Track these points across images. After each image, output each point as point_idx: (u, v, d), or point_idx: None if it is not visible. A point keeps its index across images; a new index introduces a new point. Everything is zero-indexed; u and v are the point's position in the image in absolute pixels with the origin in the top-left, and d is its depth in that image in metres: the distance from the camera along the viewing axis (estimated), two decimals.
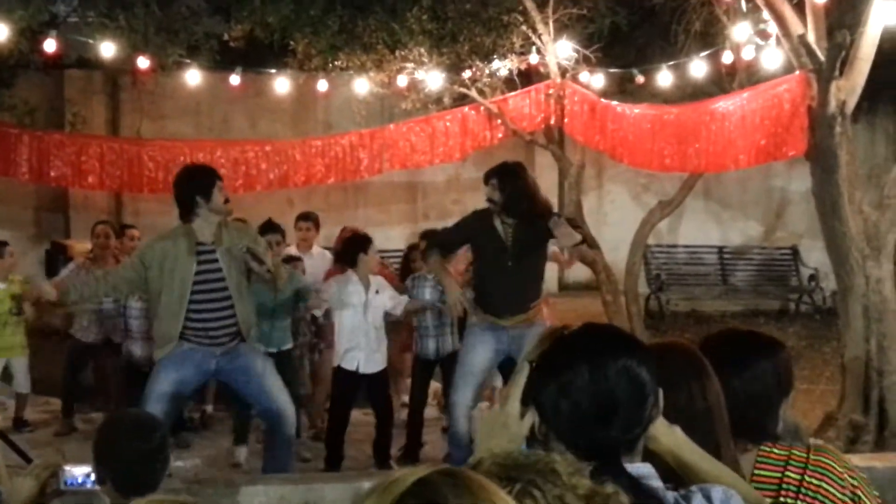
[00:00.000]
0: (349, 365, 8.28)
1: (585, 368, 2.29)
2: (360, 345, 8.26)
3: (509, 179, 7.42)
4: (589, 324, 2.50)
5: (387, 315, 8.46)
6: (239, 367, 7.20)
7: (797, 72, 8.62)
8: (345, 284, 8.32)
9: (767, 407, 3.03)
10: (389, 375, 8.76)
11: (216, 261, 7.05)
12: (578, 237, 7.52)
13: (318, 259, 9.95)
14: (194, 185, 7.08)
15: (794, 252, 16.72)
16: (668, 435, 2.44)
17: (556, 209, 9.46)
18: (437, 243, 7.84)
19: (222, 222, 7.16)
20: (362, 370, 8.27)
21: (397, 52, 10.50)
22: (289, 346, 8.71)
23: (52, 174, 11.79)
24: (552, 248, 7.95)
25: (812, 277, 16.23)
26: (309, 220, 10.09)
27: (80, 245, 11.47)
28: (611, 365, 2.30)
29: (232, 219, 7.50)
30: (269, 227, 8.78)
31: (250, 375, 7.20)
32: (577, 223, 7.75)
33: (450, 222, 9.07)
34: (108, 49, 10.28)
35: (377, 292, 8.31)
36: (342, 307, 8.28)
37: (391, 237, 14.08)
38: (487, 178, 7.51)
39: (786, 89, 8.73)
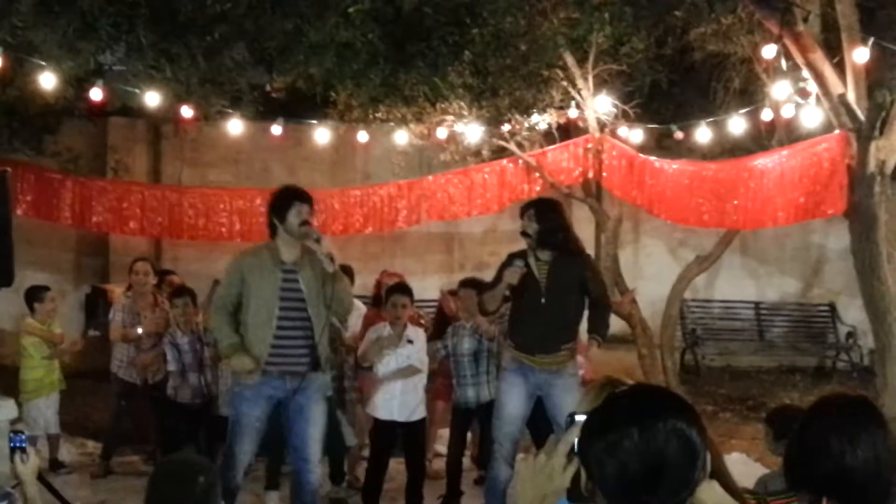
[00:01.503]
0: (385, 414, 8.27)
1: (635, 430, 2.30)
2: (394, 393, 8.25)
3: (545, 211, 7.46)
4: (640, 384, 2.53)
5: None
6: (299, 405, 7.16)
7: (837, 131, 8.63)
8: (378, 333, 8.34)
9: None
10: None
11: (297, 281, 7.03)
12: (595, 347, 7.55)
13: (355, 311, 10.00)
14: (274, 204, 7.16)
15: (832, 309, 16.59)
16: (709, 493, 2.44)
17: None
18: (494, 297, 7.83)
19: (308, 251, 7.09)
20: (398, 418, 8.24)
21: (437, 105, 10.58)
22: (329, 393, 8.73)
23: (94, 219, 11.98)
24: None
25: (850, 335, 16.08)
26: (345, 273, 10.10)
27: (120, 289, 11.57)
28: (661, 426, 2.30)
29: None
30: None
31: (304, 417, 7.18)
32: (604, 300, 7.72)
33: (486, 274, 9.10)
34: (152, 98, 10.42)
35: (410, 342, 8.26)
36: (379, 358, 8.28)
37: (427, 287, 14.08)
38: (524, 211, 7.54)
39: (825, 148, 8.73)
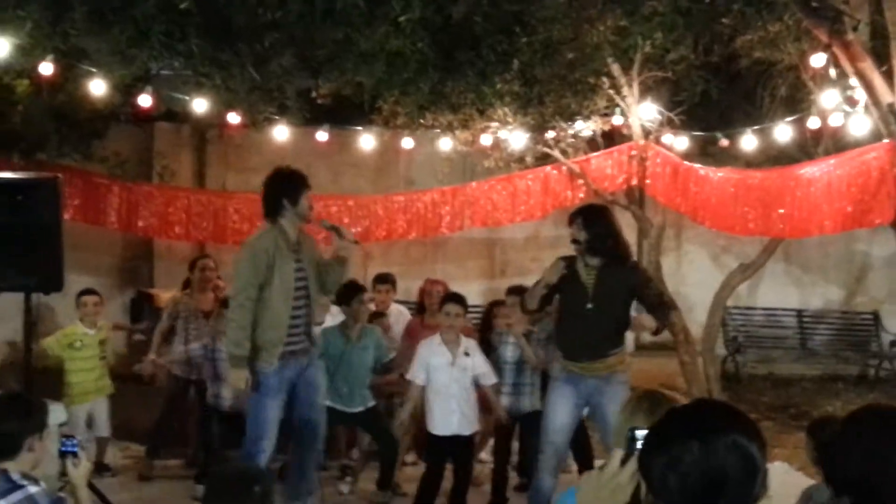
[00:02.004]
0: (443, 430, 8.16)
1: (696, 444, 2.32)
2: (451, 408, 8.14)
3: (595, 218, 7.47)
4: (701, 399, 2.55)
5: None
6: (309, 380, 7.56)
7: (885, 139, 8.59)
8: (430, 346, 8.22)
9: None
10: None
11: (302, 262, 7.32)
12: (652, 326, 7.48)
13: (395, 317, 10.06)
14: (284, 186, 7.37)
15: (876, 317, 16.47)
16: None
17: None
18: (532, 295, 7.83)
19: (302, 232, 7.44)
20: (458, 432, 8.14)
21: (483, 113, 10.62)
22: (372, 403, 8.76)
23: (140, 224, 12.12)
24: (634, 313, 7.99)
25: (893, 343, 15.97)
26: (387, 282, 10.16)
27: (166, 294, 11.67)
28: (721, 440, 2.33)
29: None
30: (358, 288, 8.79)
31: (315, 388, 7.57)
32: (660, 300, 7.66)
33: (527, 279, 9.10)
34: (200, 105, 10.53)
35: (466, 354, 8.15)
36: (431, 371, 8.14)
37: (468, 293, 13.93)
38: (572, 219, 7.53)
39: (874, 157, 8.70)
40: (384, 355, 8.79)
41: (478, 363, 8.23)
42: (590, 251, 7.38)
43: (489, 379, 8.28)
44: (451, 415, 8.13)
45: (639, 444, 2.46)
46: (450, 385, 8.12)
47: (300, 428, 7.73)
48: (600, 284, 7.37)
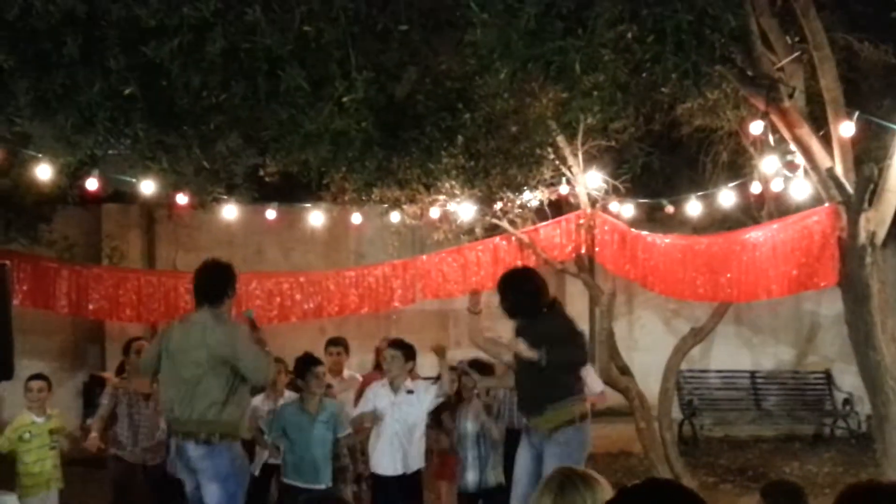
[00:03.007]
0: (384, 469, 8.45)
1: None
2: (392, 447, 8.42)
3: (505, 285, 8.01)
4: (652, 479, 2.57)
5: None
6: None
7: (826, 203, 8.73)
8: (375, 389, 8.66)
9: None
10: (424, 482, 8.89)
11: None
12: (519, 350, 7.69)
13: (349, 383, 10.07)
14: (230, 280, 7.94)
15: (828, 376, 16.62)
16: None
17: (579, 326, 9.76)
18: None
19: None
20: (398, 471, 8.41)
21: (431, 187, 10.70)
22: (331, 482, 8.73)
23: (91, 307, 12.02)
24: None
25: (846, 402, 16.11)
26: (339, 345, 10.33)
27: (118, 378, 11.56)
28: None
29: None
30: (312, 362, 8.92)
31: None
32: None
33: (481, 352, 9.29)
34: (148, 187, 10.54)
35: (409, 392, 8.48)
36: (377, 414, 8.49)
37: (422, 365, 14.07)
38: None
39: (816, 221, 8.82)
40: (341, 429, 8.80)
41: (422, 398, 8.49)
42: (509, 316, 7.89)
43: (439, 394, 8.61)
44: (395, 453, 8.40)
45: None
46: (392, 424, 8.40)
47: None
48: (525, 342, 7.57)
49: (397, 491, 8.49)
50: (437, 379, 8.71)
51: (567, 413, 7.56)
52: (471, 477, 8.69)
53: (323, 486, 8.55)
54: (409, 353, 8.68)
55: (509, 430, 8.81)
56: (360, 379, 10.31)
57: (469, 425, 8.72)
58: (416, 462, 8.56)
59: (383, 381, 8.64)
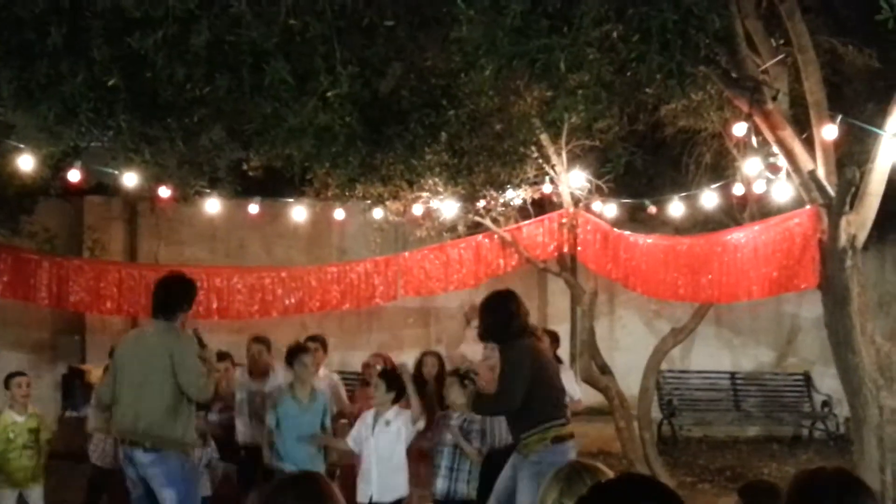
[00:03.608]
0: (362, 498, 8.32)
1: None
2: (370, 477, 8.33)
3: (484, 311, 7.97)
4: (628, 473, 2.58)
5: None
6: None
7: (808, 206, 8.76)
8: (362, 419, 8.53)
9: None
10: None
11: None
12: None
13: (323, 381, 10.06)
14: (187, 294, 8.13)
15: (807, 378, 16.68)
16: None
17: (557, 333, 10.37)
18: None
19: None
20: (375, 500, 8.28)
21: (414, 184, 10.70)
22: (323, 467, 8.89)
23: (72, 299, 11.97)
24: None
25: (825, 404, 16.17)
26: (316, 341, 10.25)
27: (97, 370, 11.52)
28: None
29: None
30: (301, 350, 9.13)
31: None
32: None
33: (462, 348, 9.37)
34: (130, 179, 10.51)
35: (387, 423, 8.35)
36: (357, 444, 8.47)
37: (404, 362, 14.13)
38: None
39: (797, 223, 8.85)
40: (326, 419, 8.98)
41: (401, 425, 8.38)
42: (481, 339, 8.15)
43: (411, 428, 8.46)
44: (369, 483, 8.32)
45: None
46: (370, 454, 8.34)
47: None
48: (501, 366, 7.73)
49: None
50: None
51: (538, 441, 7.56)
52: (440, 485, 8.67)
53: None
54: (392, 383, 8.49)
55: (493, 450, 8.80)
56: (336, 381, 10.31)
57: (448, 436, 8.69)
58: (396, 491, 8.44)
59: (370, 413, 8.53)
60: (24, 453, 9.16)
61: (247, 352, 10.12)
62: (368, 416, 8.47)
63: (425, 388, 9.27)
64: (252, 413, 9.65)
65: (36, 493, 9.32)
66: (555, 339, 10.12)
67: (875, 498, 3.08)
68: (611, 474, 3.50)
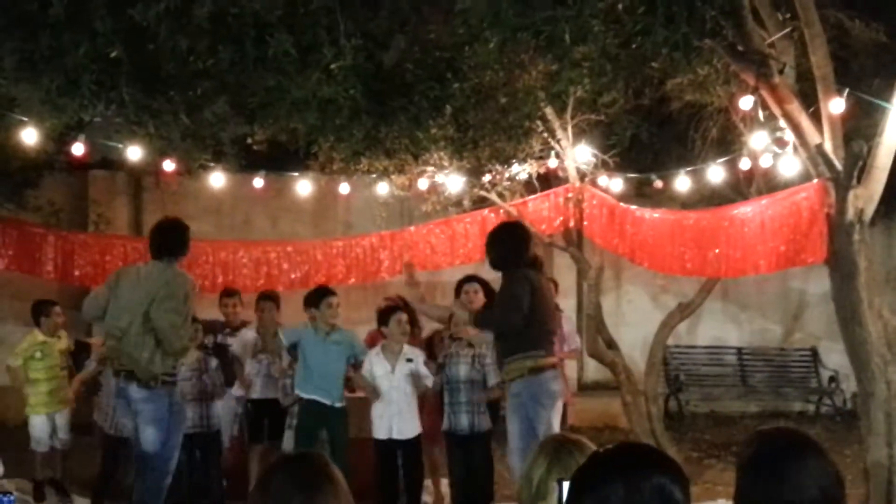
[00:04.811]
0: (381, 434, 8.72)
1: (620, 486, 2.33)
2: (390, 412, 8.70)
3: (490, 241, 8.25)
4: (625, 442, 2.56)
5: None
6: None
7: (815, 180, 8.70)
8: (370, 358, 8.93)
9: None
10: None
11: None
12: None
13: None
14: (184, 238, 8.30)
15: (814, 354, 16.65)
16: None
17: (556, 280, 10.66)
18: None
19: None
20: (396, 436, 8.69)
21: (419, 158, 10.66)
22: (344, 404, 9.15)
23: (77, 273, 11.98)
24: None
25: (832, 379, 16.15)
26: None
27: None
28: (645, 483, 2.34)
29: None
30: (326, 292, 9.47)
31: None
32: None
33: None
34: (134, 153, 10.48)
35: (409, 360, 8.78)
36: (374, 380, 8.82)
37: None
38: None
39: (804, 197, 8.79)
40: (360, 353, 9.23)
41: (419, 366, 8.88)
42: (493, 268, 8.23)
43: (427, 382, 8.94)
44: (392, 419, 8.72)
45: (565, 495, 2.46)
46: (390, 392, 8.73)
47: None
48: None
49: (398, 454, 8.86)
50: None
51: (518, 369, 7.84)
52: (464, 421, 8.95)
53: (335, 405, 8.94)
54: (411, 318, 9.11)
55: None
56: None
57: (462, 372, 8.87)
58: (414, 428, 8.88)
59: (377, 350, 8.96)
60: (59, 374, 9.91)
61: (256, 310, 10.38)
62: (377, 355, 8.88)
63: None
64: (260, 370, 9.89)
65: (62, 417, 9.57)
66: (555, 286, 10.32)
67: (824, 457, 3.06)
68: (593, 447, 3.49)
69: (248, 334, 10.07)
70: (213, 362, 9.38)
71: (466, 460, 9.10)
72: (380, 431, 8.73)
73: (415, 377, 8.84)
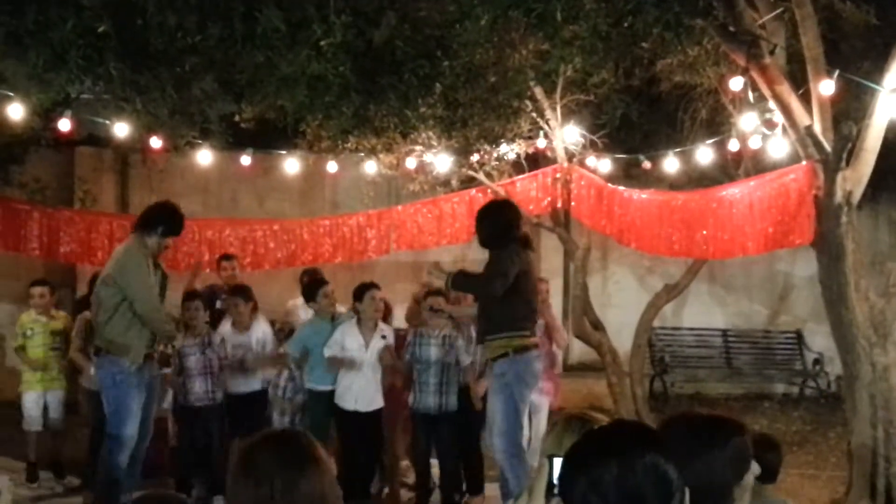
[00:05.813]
0: (347, 405, 8.81)
1: (614, 464, 2.32)
2: (358, 384, 8.83)
3: (482, 222, 8.10)
4: (619, 420, 2.55)
5: None
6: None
7: (804, 162, 8.71)
8: (342, 329, 8.97)
9: (720, 497, 3.01)
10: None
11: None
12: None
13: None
14: (165, 215, 8.30)
15: (799, 336, 16.70)
16: None
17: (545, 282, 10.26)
18: None
19: None
20: (360, 408, 8.80)
21: (407, 137, 10.63)
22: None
23: (62, 250, 11.92)
24: None
25: (817, 361, 16.21)
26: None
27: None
28: (638, 461, 2.33)
29: None
30: (319, 283, 9.61)
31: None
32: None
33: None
34: (121, 129, 10.42)
35: (383, 337, 8.92)
36: (345, 352, 8.85)
37: (396, 316, 14.08)
38: None
39: (793, 179, 8.80)
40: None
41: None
42: (482, 246, 8.11)
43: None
44: (360, 391, 8.84)
45: (556, 472, 2.45)
46: (361, 366, 8.80)
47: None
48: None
49: (360, 425, 8.87)
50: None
51: (500, 347, 7.78)
52: (432, 401, 8.96)
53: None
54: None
55: None
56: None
57: (432, 353, 8.90)
58: (377, 402, 8.97)
59: (351, 323, 9.00)
60: (52, 354, 9.91)
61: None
62: (351, 327, 8.94)
63: None
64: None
65: (55, 397, 9.64)
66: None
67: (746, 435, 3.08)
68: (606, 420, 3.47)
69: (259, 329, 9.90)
70: (217, 337, 9.32)
71: (433, 439, 9.11)
72: (346, 402, 8.80)
73: (383, 354, 8.94)
